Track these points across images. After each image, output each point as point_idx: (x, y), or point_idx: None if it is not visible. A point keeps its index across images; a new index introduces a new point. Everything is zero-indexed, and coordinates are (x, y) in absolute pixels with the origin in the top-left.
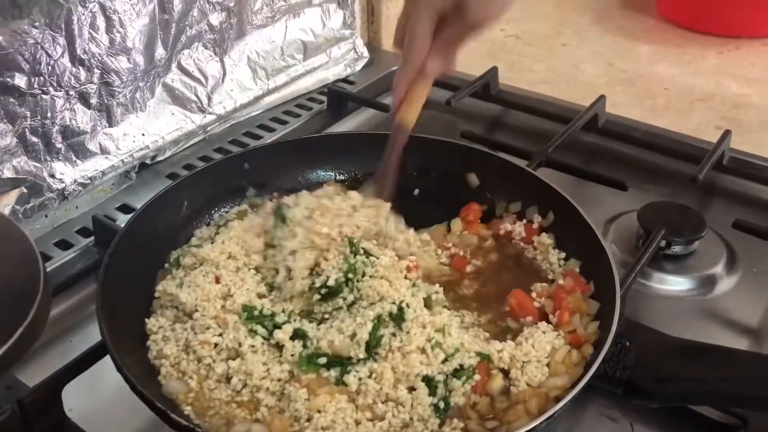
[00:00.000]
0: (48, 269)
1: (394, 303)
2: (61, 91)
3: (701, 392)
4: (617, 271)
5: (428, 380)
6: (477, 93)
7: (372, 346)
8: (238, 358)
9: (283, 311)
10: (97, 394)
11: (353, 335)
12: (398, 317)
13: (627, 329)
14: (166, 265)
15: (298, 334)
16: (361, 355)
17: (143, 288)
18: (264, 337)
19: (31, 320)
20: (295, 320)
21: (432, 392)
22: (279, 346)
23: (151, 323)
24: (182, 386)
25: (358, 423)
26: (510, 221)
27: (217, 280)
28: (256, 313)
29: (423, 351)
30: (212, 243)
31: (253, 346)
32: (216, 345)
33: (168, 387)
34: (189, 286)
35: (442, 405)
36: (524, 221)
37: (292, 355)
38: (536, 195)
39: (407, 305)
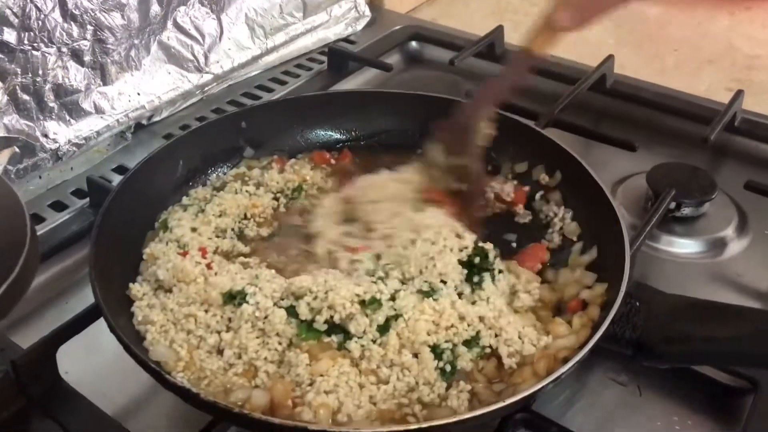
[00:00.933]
0: (42, 231)
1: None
2: (52, 47)
3: (713, 352)
4: (627, 230)
5: (434, 347)
6: (481, 53)
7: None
8: (230, 331)
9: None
10: (94, 357)
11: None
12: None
13: (636, 290)
14: (157, 226)
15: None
16: (385, 304)
17: (137, 248)
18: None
19: (17, 274)
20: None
21: (438, 357)
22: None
23: (135, 289)
24: (171, 353)
25: (362, 387)
26: (500, 181)
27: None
28: (237, 300)
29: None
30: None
31: (246, 321)
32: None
33: (155, 354)
34: (167, 263)
35: (448, 369)
36: (515, 182)
37: (289, 324)
38: (543, 155)
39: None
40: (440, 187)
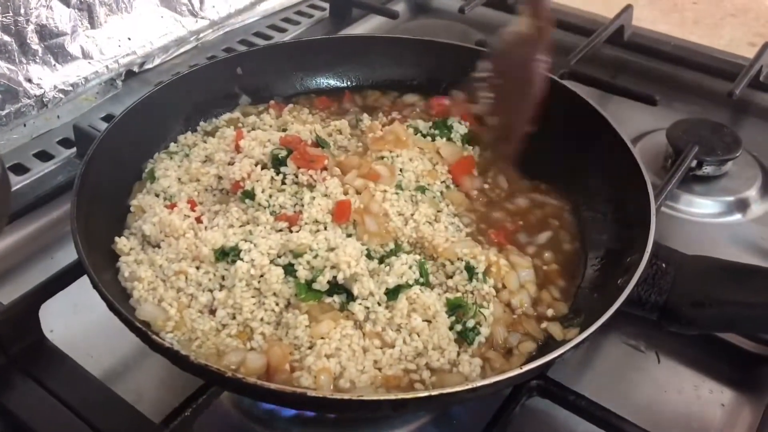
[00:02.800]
0: (26, 182)
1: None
2: None
3: (747, 317)
4: (650, 185)
5: (456, 306)
6: (492, 2)
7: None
8: (224, 289)
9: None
10: (81, 315)
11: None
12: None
13: (661, 250)
14: (144, 176)
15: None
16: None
17: (125, 200)
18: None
19: None
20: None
21: (458, 320)
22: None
23: (122, 243)
24: (159, 312)
25: (365, 350)
26: None
27: (193, 206)
28: (231, 256)
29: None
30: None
31: (240, 279)
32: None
33: (142, 311)
34: (153, 216)
35: (471, 335)
36: None
37: (287, 284)
38: (561, 107)
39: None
40: None
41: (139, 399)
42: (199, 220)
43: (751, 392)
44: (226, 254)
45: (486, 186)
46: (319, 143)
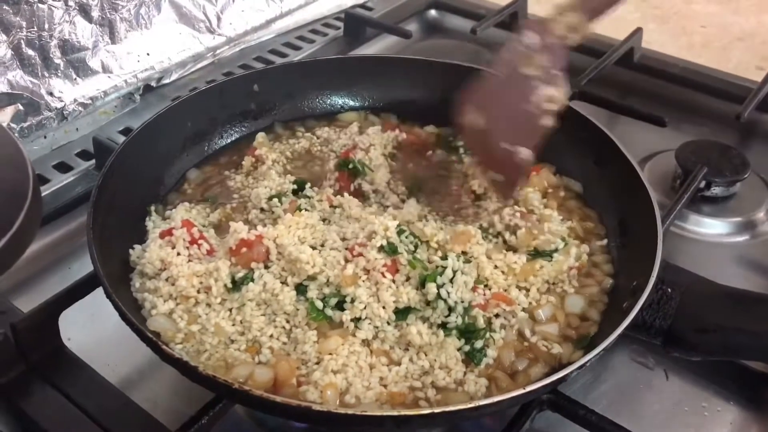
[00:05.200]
0: (46, 192)
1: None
2: (59, 1)
3: (752, 346)
4: (658, 208)
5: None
6: (504, 23)
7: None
8: (234, 309)
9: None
10: (98, 324)
11: None
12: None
13: (668, 273)
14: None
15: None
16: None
17: (140, 211)
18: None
19: (19, 227)
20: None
21: (467, 341)
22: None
23: (136, 254)
24: (170, 324)
25: (372, 367)
26: None
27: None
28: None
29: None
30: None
31: (251, 300)
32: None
33: (153, 322)
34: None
35: (478, 356)
36: None
37: (298, 309)
38: (568, 128)
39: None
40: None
41: (155, 407)
42: (194, 241)
43: (758, 411)
44: (238, 287)
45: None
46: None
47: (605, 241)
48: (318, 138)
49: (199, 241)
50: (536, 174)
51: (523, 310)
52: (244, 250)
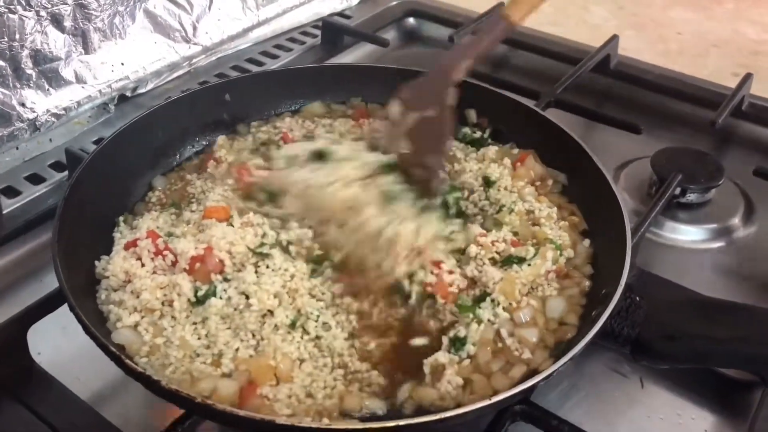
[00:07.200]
0: (17, 205)
1: None
2: (30, 11)
3: (717, 352)
4: (629, 219)
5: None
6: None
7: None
8: (199, 323)
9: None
10: (69, 338)
11: None
12: None
13: (638, 280)
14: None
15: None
16: None
17: (109, 222)
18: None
19: None
20: None
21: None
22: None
23: (101, 266)
24: (135, 337)
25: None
26: None
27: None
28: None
29: None
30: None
31: (215, 314)
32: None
33: (118, 336)
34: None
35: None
36: None
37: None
38: (542, 137)
39: None
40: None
41: (126, 422)
42: (159, 252)
43: (733, 417)
44: (201, 301)
45: None
46: None
47: (588, 242)
48: (276, 129)
49: (164, 252)
50: (521, 165)
51: (504, 309)
52: (198, 265)
